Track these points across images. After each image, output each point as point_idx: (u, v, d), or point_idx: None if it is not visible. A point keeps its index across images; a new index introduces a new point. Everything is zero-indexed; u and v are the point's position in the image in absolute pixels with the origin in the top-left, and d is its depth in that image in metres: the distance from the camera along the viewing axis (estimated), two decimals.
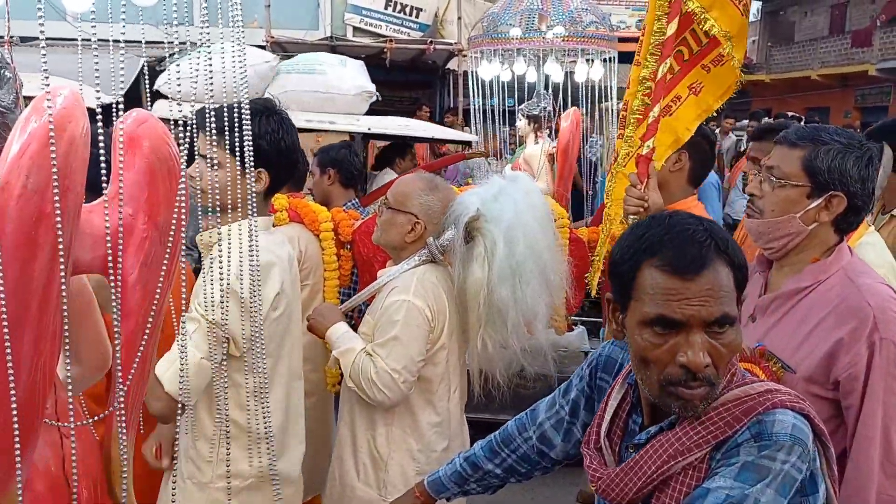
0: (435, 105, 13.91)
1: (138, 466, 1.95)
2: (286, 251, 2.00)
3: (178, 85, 1.38)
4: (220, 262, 1.36)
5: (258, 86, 5.67)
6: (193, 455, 1.87)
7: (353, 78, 5.78)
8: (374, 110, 6.78)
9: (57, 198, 1.02)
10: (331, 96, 5.57)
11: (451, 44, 11.54)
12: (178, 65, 1.46)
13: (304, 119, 5.27)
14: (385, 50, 10.49)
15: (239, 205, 1.80)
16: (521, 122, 6.46)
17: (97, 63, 1.14)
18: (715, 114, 2.66)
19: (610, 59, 6.57)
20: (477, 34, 6.97)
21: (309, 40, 10.69)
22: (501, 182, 2.23)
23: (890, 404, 1.53)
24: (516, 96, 6.98)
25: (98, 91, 1.19)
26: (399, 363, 2.09)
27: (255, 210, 1.67)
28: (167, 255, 1.32)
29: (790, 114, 11.22)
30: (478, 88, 7.00)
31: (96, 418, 1.17)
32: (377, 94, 5.71)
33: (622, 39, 14.39)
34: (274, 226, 3.08)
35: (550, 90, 6.67)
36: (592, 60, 6.56)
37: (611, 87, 6.50)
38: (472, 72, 7.06)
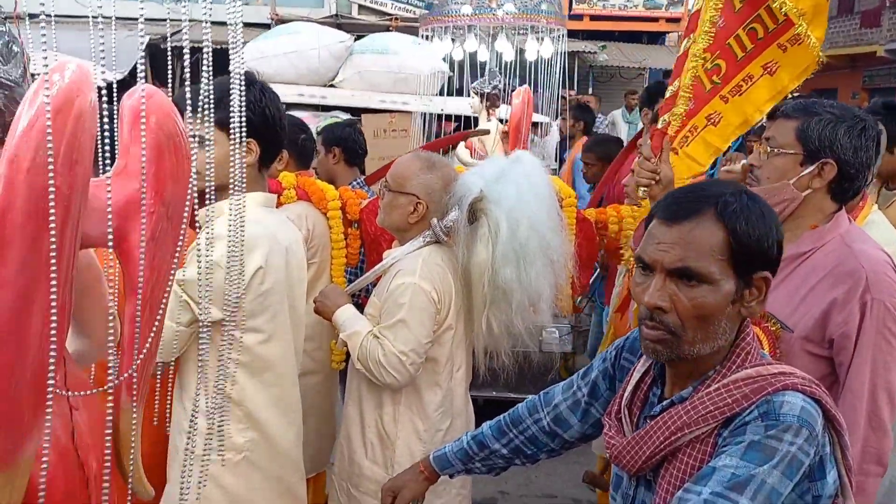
0: None
1: (147, 443, 1.97)
2: (284, 231, 2.00)
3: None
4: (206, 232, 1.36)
5: (333, 66, 5.66)
6: (187, 428, 1.89)
7: (427, 58, 5.78)
8: None
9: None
10: (404, 77, 5.57)
11: None
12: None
13: (378, 99, 5.27)
14: (390, 28, 10.44)
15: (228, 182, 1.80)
16: (474, 100, 6.43)
17: (103, 40, 1.14)
18: None
19: (560, 36, 6.54)
20: (425, 13, 6.93)
21: (314, 18, 10.63)
22: (504, 162, 2.23)
23: (878, 361, 1.61)
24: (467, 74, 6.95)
25: (104, 69, 1.20)
26: (407, 346, 2.09)
27: (244, 182, 1.65)
28: (181, 231, 1.33)
29: (796, 94, 11.14)
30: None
31: (103, 389, 1.18)
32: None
33: (628, 18, 14.31)
34: (281, 203, 3.10)
35: (503, 68, 6.70)
36: (543, 38, 6.53)
37: (561, 65, 6.50)
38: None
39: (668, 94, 2.51)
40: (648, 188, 2.25)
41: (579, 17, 14.23)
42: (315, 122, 5.37)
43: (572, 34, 14.59)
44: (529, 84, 6.24)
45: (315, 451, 2.70)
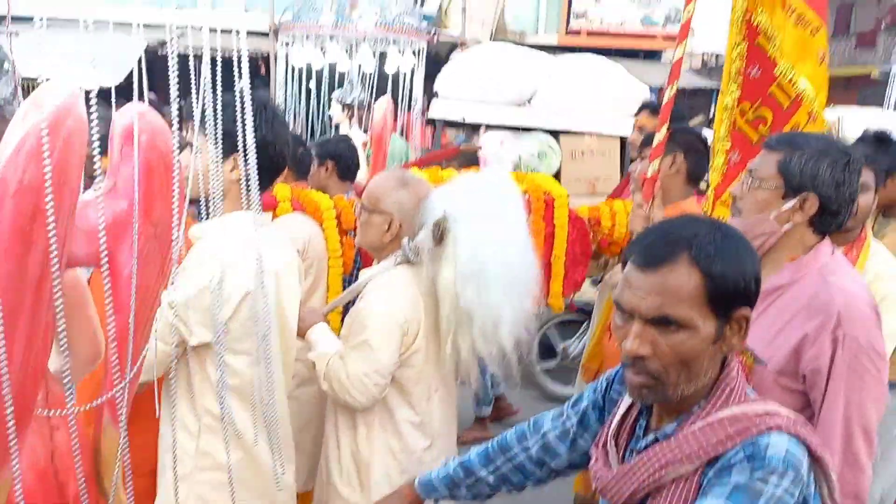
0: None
1: (138, 463, 1.96)
2: (275, 251, 1.98)
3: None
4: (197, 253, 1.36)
5: (531, 87, 5.67)
6: (176, 448, 1.89)
7: (624, 80, 5.79)
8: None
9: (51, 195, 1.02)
10: (602, 99, 5.60)
11: (454, 35, 11.50)
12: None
13: (576, 121, 5.28)
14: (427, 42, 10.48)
15: (226, 196, 1.79)
16: (335, 110, 6.41)
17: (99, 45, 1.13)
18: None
19: (419, 50, 6.56)
20: (288, 19, 6.87)
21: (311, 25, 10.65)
22: (473, 180, 2.22)
23: (852, 398, 1.59)
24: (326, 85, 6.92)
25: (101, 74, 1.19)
26: (370, 367, 2.07)
27: (222, 192, 1.65)
28: (167, 251, 1.33)
29: None
30: (290, 75, 6.88)
31: (84, 407, 1.17)
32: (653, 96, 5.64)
33: (625, 35, 14.35)
34: (276, 216, 3.10)
35: (367, 78, 6.70)
36: (403, 51, 6.57)
37: (416, 77, 6.50)
38: (282, 56, 6.91)
39: (655, 143, 2.55)
40: None
41: (577, 33, 14.28)
42: (515, 142, 5.37)
43: (570, 50, 14.68)
44: (393, 96, 6.16)
45: (314, 464, 2.68)
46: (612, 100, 5.56)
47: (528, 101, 5.86)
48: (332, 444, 2.23)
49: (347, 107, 6.30)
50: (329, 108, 6.58)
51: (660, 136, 2.55)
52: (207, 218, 1.86)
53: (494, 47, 6.74)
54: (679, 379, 1.20)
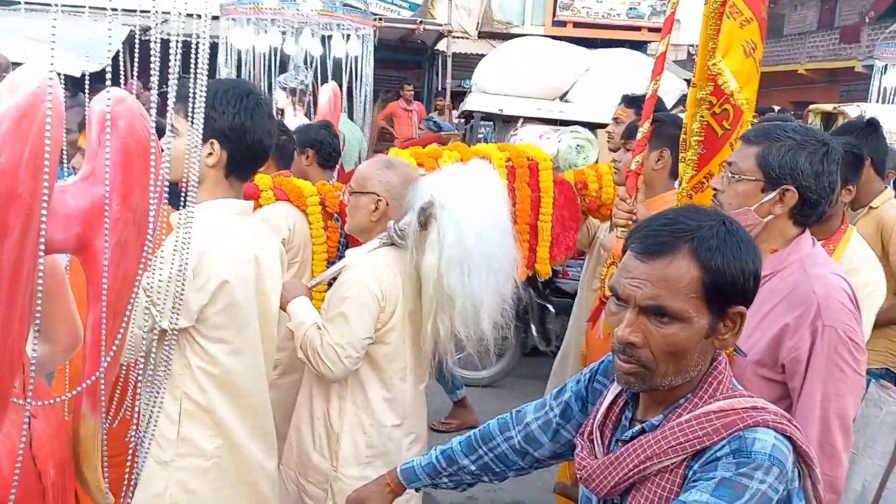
0: (423, 86, 13.85)
1: (116, 453, 1.95)
2: (255, 240, 1.97)
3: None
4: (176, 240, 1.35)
5: (568, 81, 5.66)
6: (156, 435, 1.87)
7: (669, 79, 5.79)
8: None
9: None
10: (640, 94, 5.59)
11: (440, 24, 11.47)
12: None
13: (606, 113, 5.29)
14: (374, 28, 10.40)
15: (203, 181, 1.78)
16: (279, 94, 6.34)
17: (79, 30, 1.12)
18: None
19: (366, 35, 6.49)
20: (231, 1, 6.72)
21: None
22: (460, 169, 2.27)
23: (830, 388, 1.61)
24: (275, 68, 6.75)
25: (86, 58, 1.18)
26: (343, 339, 2.13)
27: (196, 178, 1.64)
28: (146, 238, 1.31)
29: (776, 108, 11.26)
30: (230, 58, 6.76)
31: (64, 398, 1.17)
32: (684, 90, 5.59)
33: (611, 27, 14.37)
34: (260, 206, 3.08)
35: (312, 63, 6.56)
36: (349, 36, 6.47)
37: (363, 63, 6.41)
38: (222, 39, 6.73)
39: (639, 136, 2.55)
40: (626, 227, 2.27)
41: (563, 24, 14.27)
42: (553, 136, 5.35)
43: (556, 40, 14.67)
44: (339, 83, 6.10)
45: None
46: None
47: (566, 95, 5.92)
48: (305, 415, 2.28)
49: (292, 91, 6.23)
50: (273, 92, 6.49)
51: (643, 129, 2.55)
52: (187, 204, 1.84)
53: (531, 41, 6.73)
54: (668, 370, 1.20)
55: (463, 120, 7.73)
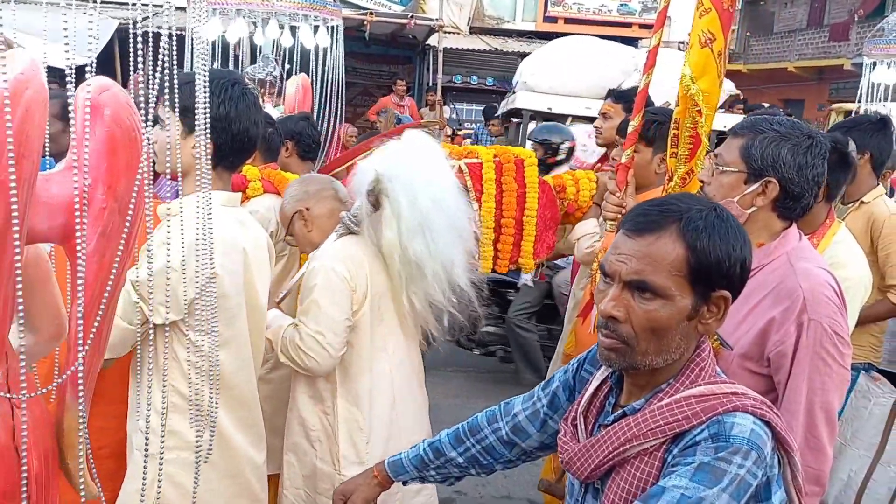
0: (414, 81, 13.82)
1: (99, 446, 1.93)
2: (243, 232, 1.97)
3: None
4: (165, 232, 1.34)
5: (618, 80, 5.64)
6: (143, 427, 1.87)
7: None
8: (346, 82, 6.64)
9: (12, 165, 1.00)
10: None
11: (432, 19, 11.44)
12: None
13: None
14: (365, 22, 10.36)
15: (189, 173, 1.77)
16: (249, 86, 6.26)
17: (68, 22, 1.11)
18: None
19: (336, 27, 6.40)
20: None
21: None
22: (397, 144, 2.28)
23: (815, 381, 1.62)
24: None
25: (68, 52, 1.17)
26: (321, 325, 2.13)
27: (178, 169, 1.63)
28: (126, 227, 1.30)
29: (766, 105, 11.30)
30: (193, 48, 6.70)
31: (48, 388, 1.16)
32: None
33: (602, 23, 14.39)
34: (248, 197, 3.06)
35: (282, 54, 6.48)
36: (317, 28, 6.38)
37: (334, 55, 6.32)
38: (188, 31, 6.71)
39: (630, 130, 2.56)
40: (615, 221, 2.28)
41: (553, 20, 14.29)
42: None
43: (546, 36, 14.64)
44: (310, 74, 6.02)
45: (272, 452, 2.67)
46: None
47: None
48: (299, 430, 2.27)
49: (260, 83, 6.17)
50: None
51: (634, 123, 2.56)
52: (177, 196, 1.84)
53: (580, 40, 6.75)
54: (648, 348, 1.21)
55: (502, 118, 7.69)
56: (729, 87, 6.17)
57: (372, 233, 2.21)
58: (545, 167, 5.16)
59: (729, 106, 6.58)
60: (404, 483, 1.69)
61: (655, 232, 1.20)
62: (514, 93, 6.67)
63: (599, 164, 4.14)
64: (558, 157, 5.53)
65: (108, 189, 1.26)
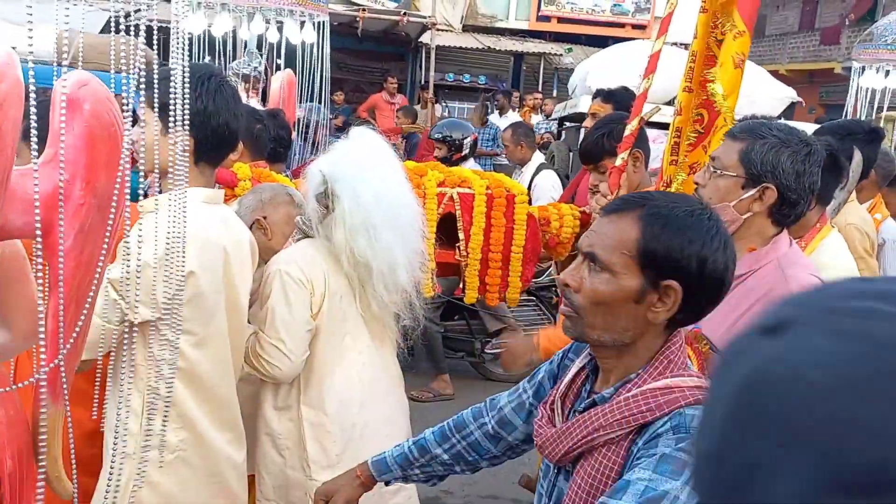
0: (406, 79, 13.80)
1: (79, 437, 1.91)
2: (223, 230, 1.94)
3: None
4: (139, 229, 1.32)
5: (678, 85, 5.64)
6: (119, 427, 1.85)
7: (770, 82, 5.77)
8: (338, 79, 6.56)
9: None
10: (753, 100, 5.60)
11: (424, 17, 11.41)
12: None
13: None
14: (357, 19, 10.32)
15: (168, 170, 1.75)
16: (232, 82, 6.19)
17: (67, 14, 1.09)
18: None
19: (322, 23, 6.31)
20: None
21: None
22: (343, 143, 2.25)
23: None
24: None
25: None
26: (281, 332, 2.10)
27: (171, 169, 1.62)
28: (110, 224, 1.29)
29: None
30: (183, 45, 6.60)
31: (20, 385, 1.14)
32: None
33: (595, 23, 14.41)
34: (236, 196, 3.04)
35: (267, 49, 6.40)
36: (302, 23, 6.26)
37: (322, 52, 6.24)
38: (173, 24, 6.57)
39: (627, 132, 2.57)
40: None
41: (547, 19, 14.27)
42: (665, 139, 5.36)
43: (539, 35, 14.66)
44: (295, 70, 5.89)
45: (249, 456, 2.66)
46: (760, 100, 5.60)
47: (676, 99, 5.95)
48: (267, 438, 2.23)
49: (245, 78, 6.12)
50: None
51: (631, 127, 2.58)
52: (158, 192, 1.81)
53: (643, 44, 6.75)
54: (595, 321, 1.25)
55: (556, 123, 7.63)
56: (789, 94, 6.15)
57: (325, 235, 2.18)
58: (450, 163, 5.18)
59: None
60: (387, 483, 1.68)
61: (620, 212, 1.25)
62: (571, 97, 6.57)
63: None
64: (463, 153, 5.55)
65: (86, 185, 1.24)
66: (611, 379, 1.30)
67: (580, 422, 1.27)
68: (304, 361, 2.16)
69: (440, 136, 5.55)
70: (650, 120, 5.70)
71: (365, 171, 2.14)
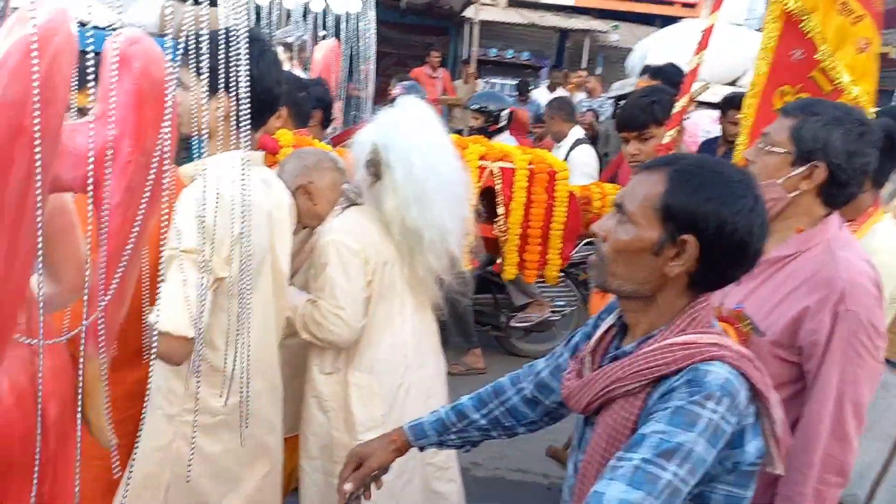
0: (448, 53, 13.71)
1: (121, 396, 1.95)
2: (267, 193, 1.96)
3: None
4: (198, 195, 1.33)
5: (743, 66, 5.60)
6: (165, 389, 1.88)
7: None
8: (381, 52, 6.53)
9: (37, 112, 1.00)
10: None
11: None
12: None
13: None
14: None
15: (214, 135, 1.76)
16: (278, 50, 6.11)
17: None
18: None
19: None
20: None
21: None
22: (392, 111, 2.26)
23: (847, 373, 1.59)
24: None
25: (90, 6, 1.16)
26: (341, 300, 2.14)
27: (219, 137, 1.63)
28: (151, 182, 1.30)
29: None
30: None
31: (66, 337, 1.17)
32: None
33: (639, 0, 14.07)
34: (276, 163, 3.06)
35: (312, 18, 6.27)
36: None
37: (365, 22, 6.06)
38: None
39: (675, 109, 2.54)
40: None
41: None
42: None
43: (585, 11, 14.41)
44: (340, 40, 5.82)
45: (291, 417, 2.70)
46: None
47: (738, 80, 5.86)
48: (314, 402, 2.28)
49: (289, 47, 6.10)
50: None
51: (681, 103, 2.54)
52: (199, 157, 1.83)
53: (704, 24, 6.68)
54: (616, 270, 1.31)
55: (612, 101, 7.58)
56: None
57: (374, 203, 2.21)
58: (487, 135, 5.14)
59: None
60: (422, 449, 1.69)
61: (653, 169, 1.30)
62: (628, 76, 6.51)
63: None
64: (499, 125, 5.50)
65: (135, 143, 1.26)
66: (636, 334, 1.35)
67: (602, 373, 1.31)
68: (363, 328, 2.20)
69: (477, 106, 5.53)
70: (699, 99, 5.64)
71: (418, 141, 2.15)
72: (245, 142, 1.54)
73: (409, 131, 2.17)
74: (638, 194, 1.29)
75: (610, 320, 1.44)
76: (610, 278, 1.32)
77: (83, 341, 1.32)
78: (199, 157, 1.84)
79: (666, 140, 2.59)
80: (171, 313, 1.61)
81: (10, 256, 1.04)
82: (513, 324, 4.90)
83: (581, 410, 1.37)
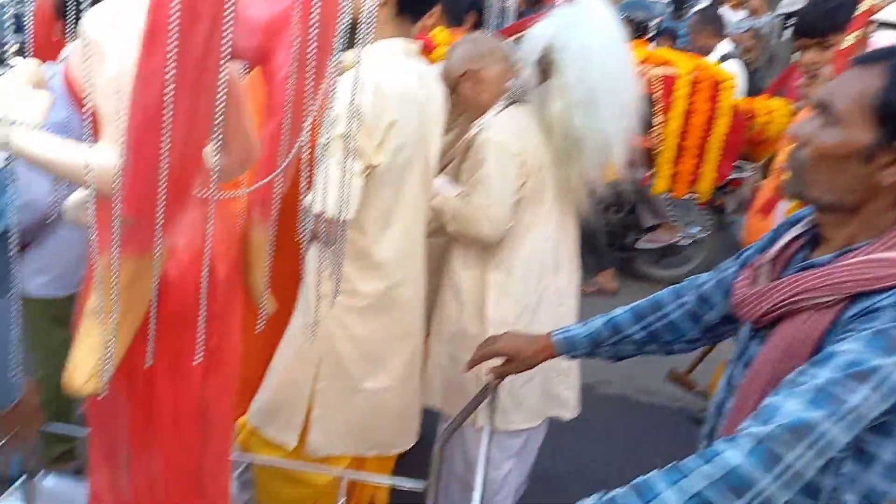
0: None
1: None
2: (421, 84, 1.95)
3: None
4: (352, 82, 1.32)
5: None
6: (317, 270, 1.95)
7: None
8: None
9: None
10: None
11: None
12: None
13: None
14: None
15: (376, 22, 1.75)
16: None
17: None
18: None
19: None
20: None
21: None
22: (571, 10, 2.14)
23: None
24: None
25: None
26: (489, 199, 2.12)
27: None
28: (328, 58, 1.31)
29: None
30: None
31: (231, 194, 1.22)
32: None
33: None
34: (433, 62, 3.06)
35: None
36: None
37: None
38: None
39: (862, 8, 2.27)
40: None
41: None
42: None
43: None
44: None
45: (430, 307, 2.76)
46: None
47: None
48: (450, 291, 2.31)
49: None
50: None
51: (866, 4, 2.27)
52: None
53: None
54: (817, 178, 1.17)
55: (781, 18, 7.18)
56: None
57: (539, 103, 2.14)
58: None
59: None
60: (571, 358, 1.66)
61: (869, 63, 1.14)
62: None
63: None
64: (648, 35, 5.11)
65: (304, 15, 1.27)
66: (832, 247, 1.20)
67: (789, 281, 1.18)
68: (509, 229, 2.20)
69: (624, 15, 5.26)
70: (881, 20, 5.06)
71: (595, 44, 2.06)
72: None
73: (587, 33, 2.07)
74: (850, 91, 1.13)
75: (796, 230, 1.30)
76: (807, 189, 1.18)
77: (250, 208, 1.39)
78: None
79: (847, 44, 2.34)
80: (324, 195, 1.66)
81: (189, 118, 1.08)
82: (639, 245, 4.74)
83: (755, 320, 1.24)
